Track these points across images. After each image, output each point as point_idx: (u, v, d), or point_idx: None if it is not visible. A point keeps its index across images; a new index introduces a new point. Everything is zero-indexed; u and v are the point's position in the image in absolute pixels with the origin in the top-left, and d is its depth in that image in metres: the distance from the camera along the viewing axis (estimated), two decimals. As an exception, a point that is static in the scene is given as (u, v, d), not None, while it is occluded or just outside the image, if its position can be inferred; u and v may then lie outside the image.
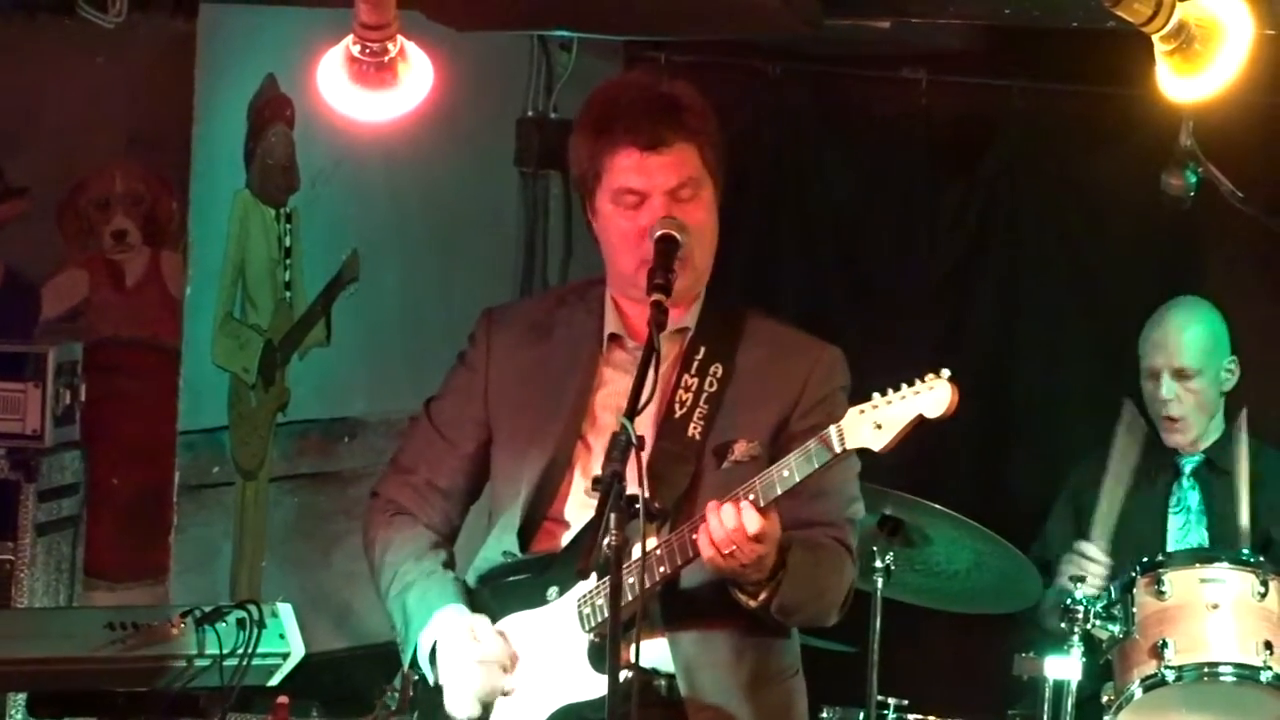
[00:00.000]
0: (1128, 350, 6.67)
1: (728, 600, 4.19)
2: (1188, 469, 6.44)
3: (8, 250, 6.43)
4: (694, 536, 4.11)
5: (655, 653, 4.23)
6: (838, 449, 4.05)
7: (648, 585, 4.10)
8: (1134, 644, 5.78)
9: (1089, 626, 5.79)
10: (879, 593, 5.86)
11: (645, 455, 3.99)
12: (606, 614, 4.01)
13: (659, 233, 4.18)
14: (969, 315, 7.47)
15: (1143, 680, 5.71)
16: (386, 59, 4.64)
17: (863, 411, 4.05)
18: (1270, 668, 5.65)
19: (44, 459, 6.15)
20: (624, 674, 3.97)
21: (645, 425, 4.16)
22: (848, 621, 4.48)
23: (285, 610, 5.40)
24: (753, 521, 4.04)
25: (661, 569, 4.13)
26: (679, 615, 4.23)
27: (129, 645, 5.16)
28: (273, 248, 6.82)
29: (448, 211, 7.28)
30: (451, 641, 4.25)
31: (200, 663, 5.25)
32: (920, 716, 6.08)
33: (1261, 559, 5.86)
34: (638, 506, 4.04)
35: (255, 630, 5.16)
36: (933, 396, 4.03)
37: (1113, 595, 5.86)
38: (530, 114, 7.52)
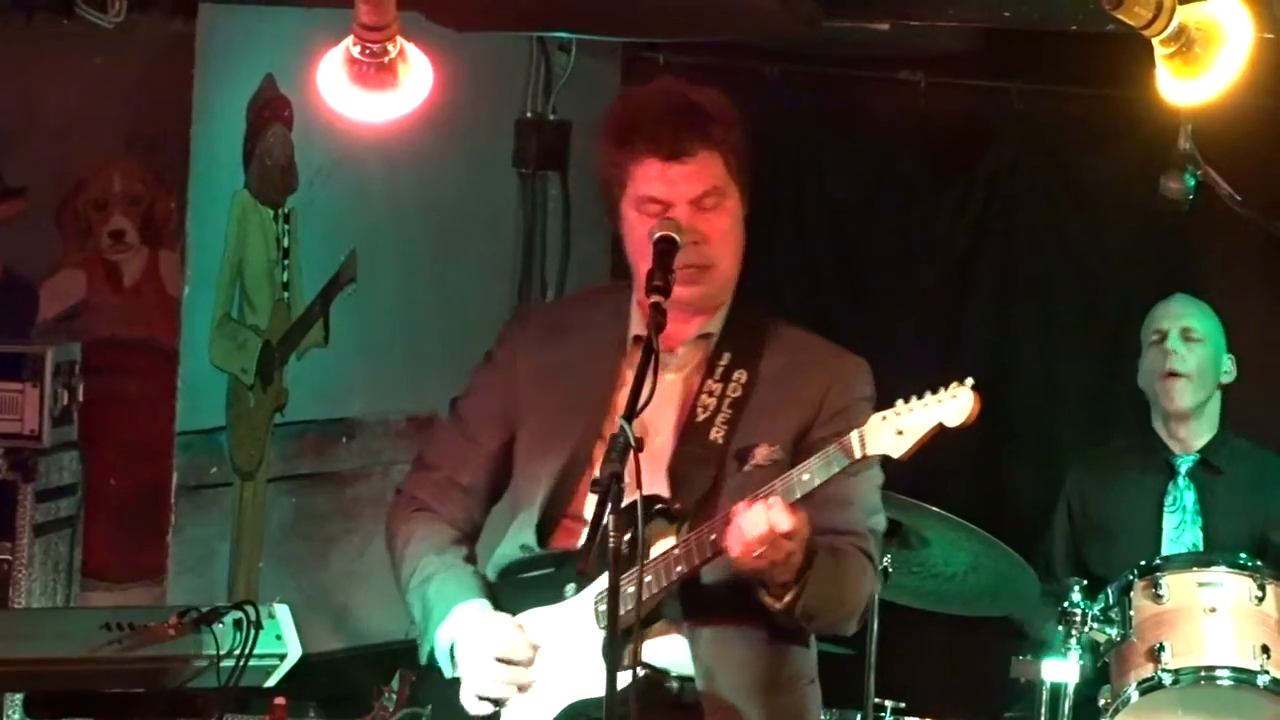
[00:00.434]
0: (1126, 352, 6.68)
1: (750, 602, 4.20)
2: (1183, 469, 6.45)
3: (5, 250, 6.43)
4: (712, 537, 4.11)
5: (673, 653, 4.24)
6: (857, 454, 4.07)
7: (664, 584, 4.12)
8: (1131, 647, 5.78)
9: (1086, 629, 5.79)
10: (876, 595, 5.86)
11: (666, 459, 4.06)
12: (622, 611, 4.01)
13: (657, 234, 4.18)
14: (966, 317, 7.47)
15: (1139, 683, 5.72)
16: (386, 60, 4.64)
17: (884, 418, 4.07)
18: (1267, 671, 5.65)
19: (42, 459, 6.15)
20: (637, 672, 4.01)
21: (667, 428, 4.23)
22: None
23: (282, 611, 5.39)
24: (783, 520, 4.04)
25: (679, 568, 4.14)
26: (700, 614, 4.24)
27: (126, 646, 5.15)
28: (271, 248, 6.82)
29: (446, 212, 7.27)
30: (470, 635, 4.26)
31: (197, 663, 5.24)
32: (917, 719, 6.08)
33: (1259, 563, 5.86)
34: (658, 506, 4.12)
35: (252, 631, 5.15)
36: (955, 405, 4.05)
37: (1110, 598, 5.87)
38: (529, 115, 7.52)
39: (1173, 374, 6.36)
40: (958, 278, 7.52)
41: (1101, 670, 5.91)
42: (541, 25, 6.93)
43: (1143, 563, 5.89)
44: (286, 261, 6.87)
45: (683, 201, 4.24)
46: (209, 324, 6.60)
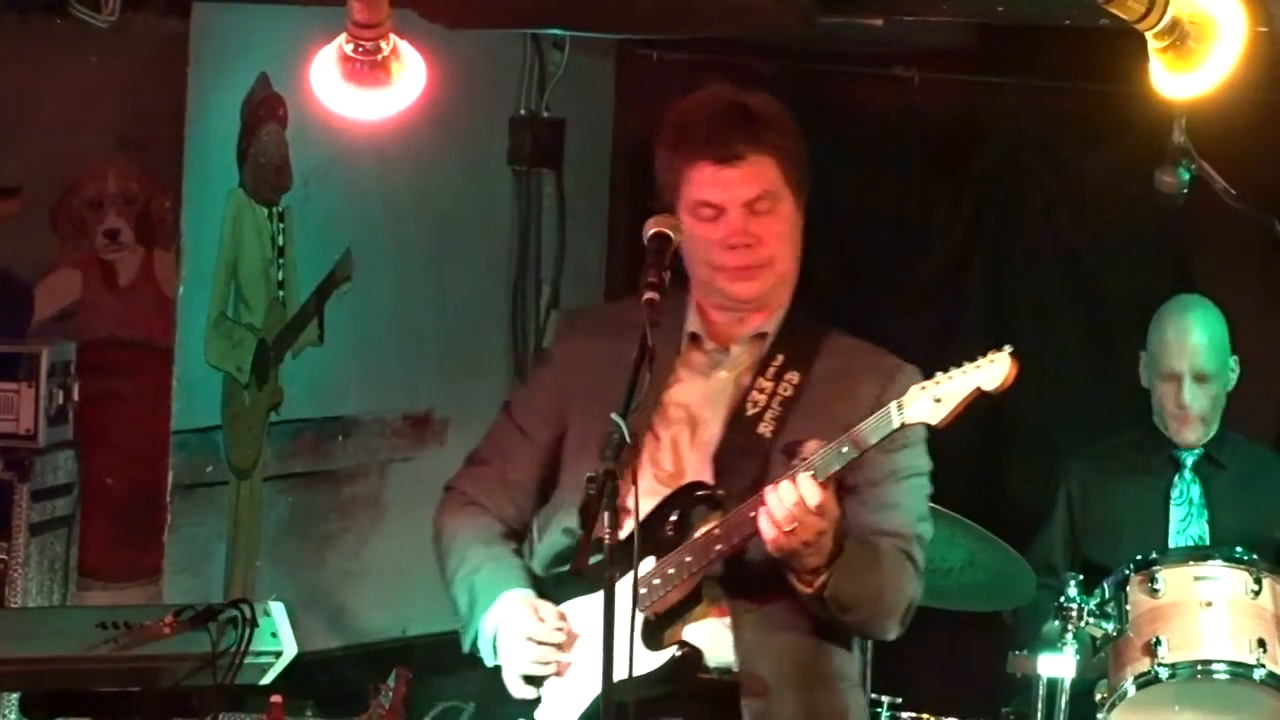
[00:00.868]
0: (1122, 346, 6.67)
1: (793, 590, 4.23)
2: (1188, 462, 6.45)
3: (0, 250, 6.42)
4: (751, 514, 4.15)
5: (713, 638, 4.28)
6: (896, 423, 4.11)
7: (704, 563, 4.21)
8: (1127, 641, 5.78)
9: (1083, 624, 5.79)
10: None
11: (712, 449, 4.22)
12: (663, 592, 4.17)
13: (651, 231, 4.20)
14: (962, 312, 7.48)
15: (1136, 678, 5.71)
16: (379, 57, 4.63)
17: (923, 388, 4.12)
18: (1263, 665, 5.64)
19: (38, 459, 6.15)
20: (673, 651, 4.17)
21: (717, 421, 4.32)
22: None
23: (278, 609, 5.38)
24: (811, 493, 4.08)
25: (718, 547, 4.20)
26: (744, 598, 4.28)
27: (122, 645, 5.13)
28: (266, 247, 6.82)
29: (441, 210, 7.27)
30: (513, 621, 4.32)
31: (193, 662, 5.24)
32: (914, 714, 6.07)
33: (1255, 556, 5.85)
34: (701, 493, 4.21)
35: (248, 629, 5.13)
36: (992, 370, 4.09)
37: (1106, 593, 5.86)
38: (523, 112, 7.52)
39: (1186, 415, 6.38)
40: (953, 272, 7.52)
41: (1098, 665, 5.91)
42: (535, 22, 6.94)
43: (1138, 557, 5.88)
44: (281, 260, 6.87)
45: (736, 205, 4.29)
46: (204, 323, 6.60)
